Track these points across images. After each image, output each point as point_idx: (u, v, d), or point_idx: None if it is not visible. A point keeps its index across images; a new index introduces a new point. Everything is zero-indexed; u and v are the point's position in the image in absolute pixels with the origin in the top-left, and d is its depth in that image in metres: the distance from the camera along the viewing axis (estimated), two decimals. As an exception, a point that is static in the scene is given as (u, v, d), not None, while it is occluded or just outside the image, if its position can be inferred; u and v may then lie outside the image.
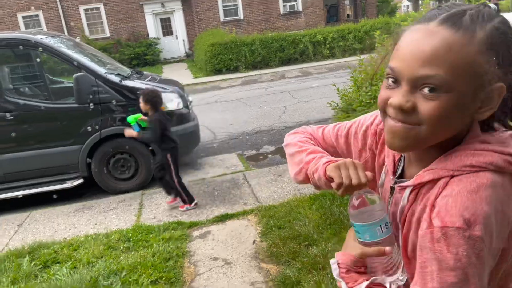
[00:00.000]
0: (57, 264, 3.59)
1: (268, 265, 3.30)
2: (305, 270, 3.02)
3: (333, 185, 0.94)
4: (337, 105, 4.04)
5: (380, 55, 3.77)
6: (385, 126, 0.85)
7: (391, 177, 0.96)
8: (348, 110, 3.73)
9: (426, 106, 0.76)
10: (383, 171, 1.01)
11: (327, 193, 4.19)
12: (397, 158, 0.97)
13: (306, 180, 1.09)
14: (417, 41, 0.77)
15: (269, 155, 6.46)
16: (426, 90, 0.76)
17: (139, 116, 4.23)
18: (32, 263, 3.61)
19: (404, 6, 39.82)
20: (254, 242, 3.71)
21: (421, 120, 0.77)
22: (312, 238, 3.45)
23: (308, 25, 20.96)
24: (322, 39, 15.93)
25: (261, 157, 6.45)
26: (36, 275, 3.47)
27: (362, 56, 4.02)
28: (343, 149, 1.14)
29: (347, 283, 0.91)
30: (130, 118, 4.22)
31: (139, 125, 4.27)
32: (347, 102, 3.81)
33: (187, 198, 4.53)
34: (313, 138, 1.19)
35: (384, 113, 0.85)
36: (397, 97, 0.79)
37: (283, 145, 1.24)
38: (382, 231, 0.89)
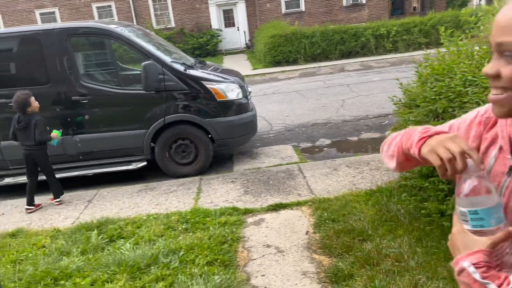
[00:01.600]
0: (122, 239, 3.86)
1: (320, 257, 3.33)
2: (358, 265, 3.02)
3: (436, 167, 0.92)
4: (400, 100, 3.94)
5: (448, 49, 3.61)
6: None
7: (509, 156, 0.94)
8: (411, 106, 3.62)
9: (506, 69, 0.82)
10: (492, 156, 0.98)
11: (384, 189, 4.13)
12: None
13: (405, 161, 1.11)
14: (501, 13, 0.84)
15: (325, 148, 6.43)
16: (507, 54, 0.82)
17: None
18: (100, 237, 3.91)
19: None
20: (307, 233, 3.75)
21: (505, 84, 0.83)
22: (367, 233, 3.42)
23: (371, 18, 20.32)
24: (385, 32, 15.40)
25: (317, 149, 6.43)
26: (103, 247, 3.75)
27: (428, 51, 3.88)
28: None
29: (494, 282, 0.83)
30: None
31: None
32: (410, 97, 3.70)
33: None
34: None
35: None
36: (486, 66, 0.86)
37: (381, 151, 1.25)
38: (502, 213, 0.85)
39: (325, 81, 11.60)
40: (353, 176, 4.87)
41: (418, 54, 13.35)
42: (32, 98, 4.69)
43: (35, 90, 5.26)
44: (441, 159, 0.91)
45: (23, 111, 4.67)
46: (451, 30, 4.01)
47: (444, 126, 1.14)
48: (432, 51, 3.89)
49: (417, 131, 1.04)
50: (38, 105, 4.76)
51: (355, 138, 6.72)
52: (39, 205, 4.96)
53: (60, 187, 5.04)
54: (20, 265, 3.57)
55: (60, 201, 5.02)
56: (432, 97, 3.22)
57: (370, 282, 2.77)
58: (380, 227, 3.49)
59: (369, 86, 10.09)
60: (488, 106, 1.06)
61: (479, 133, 1.04)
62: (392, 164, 1.16)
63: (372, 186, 4.41)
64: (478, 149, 1.03)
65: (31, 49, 5.39)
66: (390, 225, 3.49)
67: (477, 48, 3.41)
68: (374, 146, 6.26)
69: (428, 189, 3.19)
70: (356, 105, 8.52)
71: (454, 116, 2.98)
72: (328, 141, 6.71)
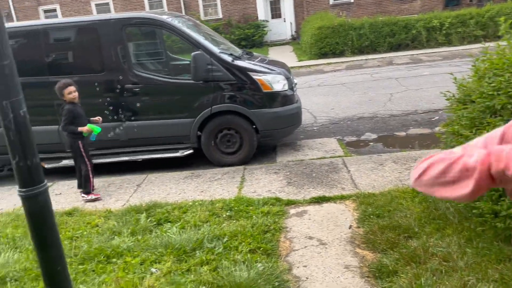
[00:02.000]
0: (169, 223, 4.01)
1: (364, 251, 3.31)
2: (403, 262, 2.97)
3: None
4: (453, 95, 3.79)
5: (509, 42, 3.42)
6: None
7: None
8: (465, 101, 3.48)
9: None
10: None
11: (433, 187, 4.00)
12: None
13: (487, 183, 0.94)
14: None
15: (371, 143, 6.32)
16: None
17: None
18: (148, 219, 4.09)
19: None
20: (350, 227, 3.72)
21: None
22: (413, 230, 3.35)
23: (424, 9, 19.52)
24: (438, 24, 14.74)
25: (362, 144, 6.33)
26: (151, 230, 3.92)
27: (486, 44, 3.69)
28: None
29: None
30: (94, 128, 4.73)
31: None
32: (465, 93, 3.55)
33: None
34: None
35: None
36: None
37: (417, 176, 1.08)
38: None
39: (372, 74, 11.33)
40: (400, 172, 4.76)
41: (474, 47, 12.70)
42: (68, 88, 4.66)
43: (90, 78, 5.53)
44: None
45: (60, 99, 4.80)
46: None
47: (497, 130, 1.06)
48: (491, 44, 3.70)
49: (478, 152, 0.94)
50: (74, 95, 4.69)
51: (403, 133, 6.54)
52: (97, 195, 4.91)
53: (89, 182, 4.89)
54: (76, 241, 3.81)
55: (87, 197, 4.89)
56: (490, 93, 3.08)
57: (415, 280, 2.72)
58: (427, 225, 3.40)
59: (419, 80, 9.74)
60: None
61: None
62: (464, 190, 0.97)
63: (419, 183, 4.28)
64: None
65: (88, 38, 5.66)
66: (438, 223, 3.40)
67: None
68: (422, 142, 6.07)
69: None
70: (404, 99, 8.27)
71: (513, 113, 2.84)
72: (374, 136, 6.58)
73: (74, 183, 5.55)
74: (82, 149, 4.85)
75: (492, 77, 3.19)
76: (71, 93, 4.70)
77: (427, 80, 9.63)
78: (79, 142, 4.83)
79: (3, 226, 4.31)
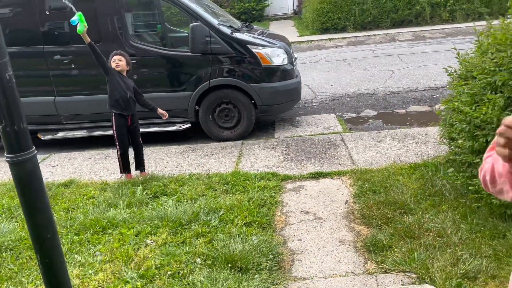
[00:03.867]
0: (165, 196, 4.01)
1: (359, 226, 3.32)
2: (398, 237, 2.98)
3: None
4: (455, 71, 3.72)
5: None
6: None
7: None
8: (467, 77, 3.42)
9: None
10: None
11: (430, 164, 4.00)
12: None
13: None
14: None
15: (370, 120, 6.27)
16: None
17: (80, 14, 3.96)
18: (144, 192, 4.08)
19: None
20: (346, 202, 3.73)
21: None
22: (409, 206, 3.35)
23: (429, -15, 19.06)
24: (442, 0, 14.46)
25: (361, 120, 6.28)
26: (147, 202, 3.92)
27: (490, 20, 3.60)
28: None
29: None
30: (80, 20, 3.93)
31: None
32: (467, 69, 3.49)
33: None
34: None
35: None
36: None
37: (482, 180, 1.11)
38: None
39: (374, 51, 11.17)
40: (398, 149, 4.74)
41: (478, 25, 12.44)
42: (113, 57, 4.35)
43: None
44: None
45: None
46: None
47: None
48: (496, 21, 3.61)
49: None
50: (116, 64, 4.32)
51: (403, 111, 6.48)
52: (128, 175, 4.50)
53: (123, 163, 4.47)
54: (72, 213, 3.81)
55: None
56: (492, 69, 3.02)
57: (409, 254, 2.74)
58: (423, 201, 3.40)
59: (421, 58, 9.61)
60: None
61: None
62: (509, 194, 1.01)
63: (417, 160, 4.28)
64: None
65: (85, 7, 5.50)
66: (433, 200, 3.40)
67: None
68: (422, 119, 6.03)
69: (479, 165, 3.04)
70: (405, 76, 8.17)
71: (514, 90, 2.79)
72: (373, 112, 6.53)
73: (71, 154, 5.55)
74: (113, 125, 4.39)
75: (494, 53, 3.12)
76: (114, 61, 4.32)
77: (429, 57, 9.50)
78: (112, 116, 4.37)
79: (-1, 196, 4.31)
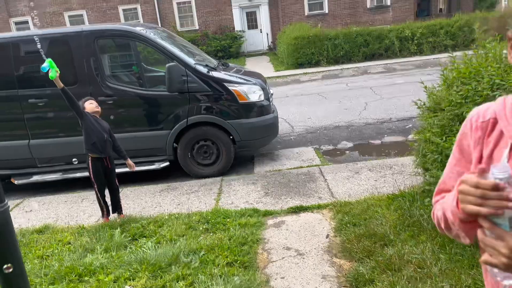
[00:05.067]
0: (144, 238, 3.92)
1: (341, 261, 3.31)
2: (379, 270, 2.98)
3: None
4: (424, 104, 3.87)
5: (476, 51, 3.53)
6: None
7: None
8: (435, 110, 3.56)
9: None
10: (504, 156, 0.97)
11: (407, 194, 4.06)
12: None
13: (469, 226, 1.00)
14: None
15: (347, 151, 6.38)
16: None
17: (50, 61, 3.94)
18: (123, 235, 3.98)
19: (505, 0, 36.12)
20: (327, 236, 3.72)
21: None
22: (389, 238, 3.38)
23: (396, 20, 20.03)
24: (410, 34, 15.15)
25: (338, 152, 6.38)
26: (126, 245, 3.82)
27: (454, 53, 3.80)
28: (467, 170, 1.09)
29: None
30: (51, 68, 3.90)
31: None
32: (435, 101, 3.64)
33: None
34: (443, 191, 1.16)
35: None
36: None
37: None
38: None
39: (348, 84, 11.50)
40: (375, 180, 4.81)
41: (444, 56, 13.07)
42: (85, 103, 4.34)
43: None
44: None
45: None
46: (484, 29, 3.91)
47: (454, 148, 1.12)
48: (459, 53, 3.81)
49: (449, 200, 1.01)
50: (91, 107, 4.33)
51: (378, 142, 6.63)
52: (106, 218, 4.41)
53: (105, 206, 4.41)
54: (46, 260, 3.67)
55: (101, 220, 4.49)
56: (458, 101, 3.16)
57: (391, 287, 2.74)
58: (402, 232, 3.44)
59: (393, 89, 9.95)
60: (479, 110, 1.07)
61: (479, 138, 1.04)
62: (466, 241, 1.04)
63: (394, 190, 4.35)
64: (481, 154, 1.03)
65: (60, 50, 5.54)
66: (412, 230, 3.43)
67: (505, 51, 3.32)
68: (397, 149, 6.17)
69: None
70: (379, 108, 8.41)
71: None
72: (350, 144, 6.65)
73: (46, 198, 5.40)
74: (90, 169, 4.30)
75: (460, 86, 3.27)
76: (92, 104, 4.35)
77: (401, 89, 9.84)
78: (89, 159, 4.29)
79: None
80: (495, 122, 1.02)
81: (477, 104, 2.98)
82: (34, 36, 5.48)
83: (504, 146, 0.98)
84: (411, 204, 3.82)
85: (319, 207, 4.31)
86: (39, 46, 4.32)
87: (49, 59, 3.95)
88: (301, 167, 5.69)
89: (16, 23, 21.53)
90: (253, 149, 6.17)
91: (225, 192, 5.01)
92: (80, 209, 4.94)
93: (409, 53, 15.26)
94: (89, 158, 4.29)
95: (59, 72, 3.98)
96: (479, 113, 1.06)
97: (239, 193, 4.91)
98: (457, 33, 15.03)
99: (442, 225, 1.08)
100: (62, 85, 4.04)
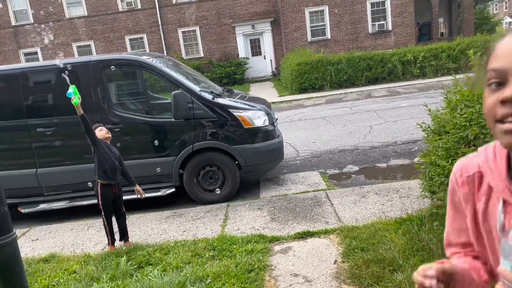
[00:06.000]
0: (150, 266, 3.89)
1: (350, 287, 3.25)
2: (389, 296, 2.92)
3: None
4: (428, 127, 3.88)
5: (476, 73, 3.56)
6: (499, 132, 0.85)
7: None
8: (440, 132, 3.57)
9: None
10: (499, 212, 0.95)
11: (415, 218, 4.02)
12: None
13: None
14: None
15: (353, 175, 6.36)
16: None
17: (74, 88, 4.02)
18: (129, 263, 3.95)
19: (506, 23, 36.53)
20: (335, 262, 3.67)
21: None
22: (397, 263, 3.32)
23: (398, 44, 20.31)
24: (412, 58, 15.33)
25: (344, 176, 6.36)
26: (131, 274, 3.78)
27: (457, 76, 3.83)
28: (465, 224, 1.08)
29: None
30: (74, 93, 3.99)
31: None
32: (440, 124, 3.65)
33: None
34: (451, 245, 1.17)
35: (494, 121, 0.85)
36: (509, 90, 0.81)
37: None
38: None
39: (351, 107, 11.57)
40: (382, 204, 4.77)
41: (447, 79, 13.17)
42: (96, 129, 4.36)
43: (70, 119, 5.49)
44: None
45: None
46: (480, 53, 3.96)
47: (449, 208, 1.11)
48: (461, 76, 3.85)
49: None
50: (102, 133, 4.36)
51: (384, 165, 6.61)
52: (112, 246, 4.39)
53: (110, 234, 4.40)
54: (52, 290, 3.64)
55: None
56: (463, 124, 3.17)
57: (402, 314, 2.68)
58: (411, 257, 3.38)
59: (397, 112, 9.98)
60: (461, 164, 1.05)
61: (467, 194, 1.02)
62: None
63: (402, 214, 4.30)
64: (474, 209, 1.02)
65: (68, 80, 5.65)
66: (421, 255, 3.38)
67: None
68: (403, 173, 6.14)
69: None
70: (384, 131, 8.43)
71: (486, 143, 2.91)
72: (356, 168, 6.63)
73: (51, 227, 5.39)
74: (99, 195, 4.31)
75: (463, 109, 3.29)
76: (102, 130, 4.40)
77: (405, 112, 9.88)
78: (98, 186, 4.30)
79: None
80: (480, 175, 0.99)
81: (482, 127, 3.00)
82: (61, 63, 5.56)
83: (497, 201, 0.95)
84: (419, 228, 3.78)
85: (326, 232, 4.27)
86: (66, 72, 4.43)
87: (73, 86, 4.04)
88: (307, 191, 5.67)
89: (25, 54, 22.07)
90: (258, 174, 6.17)
91: (231, 218, 4.99)
92: (86, 237, 4.93)
93: (412, 76, 15.40)
94: (98, 185, 4.30)
95: (81, 98, 4.06)
96: (462, 168, 1.04)
97: (245, 219, 4.89)
98: (459, 56, 15.19)
99: None
100: (82, 111, 4.10)
